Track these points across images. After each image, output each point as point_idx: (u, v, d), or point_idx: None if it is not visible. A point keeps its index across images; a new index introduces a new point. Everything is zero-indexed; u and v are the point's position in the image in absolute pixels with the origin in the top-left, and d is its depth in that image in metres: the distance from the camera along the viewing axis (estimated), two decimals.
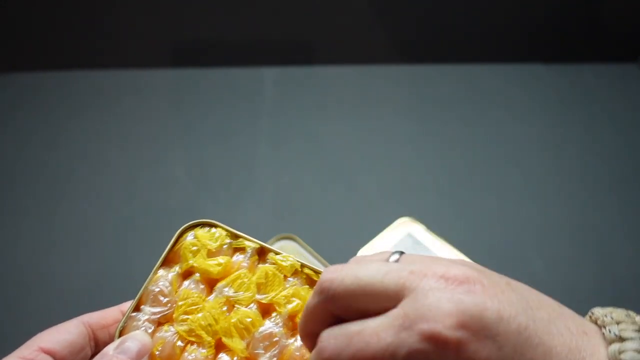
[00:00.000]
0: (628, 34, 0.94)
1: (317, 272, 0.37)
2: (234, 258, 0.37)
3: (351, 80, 0.89)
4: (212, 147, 0.79)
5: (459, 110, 0.85)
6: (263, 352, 0.34)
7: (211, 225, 0.37)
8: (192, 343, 0.34)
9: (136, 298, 0.34)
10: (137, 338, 0.33)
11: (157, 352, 0.33)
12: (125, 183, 0.75)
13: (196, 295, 0.35)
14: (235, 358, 0.34)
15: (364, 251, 0.62)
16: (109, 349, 0.32)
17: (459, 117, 0.84)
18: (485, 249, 0.68)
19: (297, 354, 0.35)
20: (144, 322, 0.34)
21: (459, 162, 0.78)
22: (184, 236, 0.37)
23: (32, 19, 0.89)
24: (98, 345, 0.35)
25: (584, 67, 0.91)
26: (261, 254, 0.37)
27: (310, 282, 0.37)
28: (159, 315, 0.34)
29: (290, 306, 0.35)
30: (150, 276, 0.35)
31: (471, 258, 0.60)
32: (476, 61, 0.92)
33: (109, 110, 0.84)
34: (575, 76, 0.90)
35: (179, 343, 0.34)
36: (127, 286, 0.59)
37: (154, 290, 0.35)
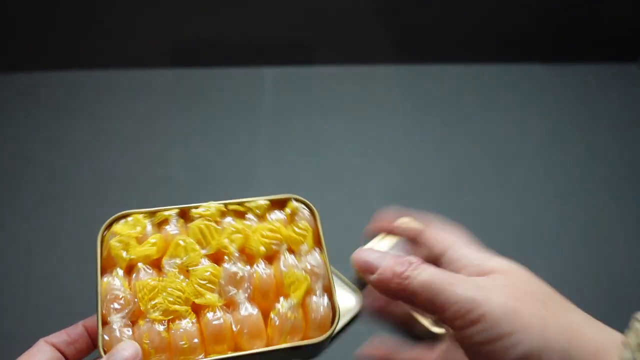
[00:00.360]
0: (628, 34, 0.94)
1: (241, 204, 0.38)
2: (163, 232, 0.37)
3: (351, 80, 0.89)
4: (212, 147, 0.79)
5: (458, 110, 0.85)
6: (236, 290, 0.35)
7: (124, 216, 0.37)
8: (172, 321, 0.34)
9: (98, 316, 0.34)
10: (123, 347, 0.32)
11: (147, 346, 0.33)
12: (125, 183, 0.75)
13: (150, 280, 0.35)
14: (217, 310, 0.35)
15: None
16: None
17: (458, 117, 0.84)
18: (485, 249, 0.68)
19: (265, 276, 0.36)
20: (120, 330, 0.33)
21: (459, 162, 0.78)
22: (105, 239, 0.36)
23: (32, 19, 0.89)
24: None
25: (584, 67, 0.91)
26: (184, 215, 0.38)
27: (240, 215, 0.38)
28: (127, 316, 0.34)
29: (235, 244, 0.36)
30: (98, 291, 0.34)
31: None
32: (476, 61, 0.92)
33: (109, 110, 0.84)
34: (575, 76, 0.90)
35: (161, 328, 0.34)
36: None
37: (110, 299, 0.34)
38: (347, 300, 0.60)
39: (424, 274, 0.30)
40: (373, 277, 0.32)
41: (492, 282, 0.30)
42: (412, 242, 0.38)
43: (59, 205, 0.72)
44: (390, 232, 0.40)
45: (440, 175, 0.77)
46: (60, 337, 0.35)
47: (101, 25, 0.91)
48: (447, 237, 0.36)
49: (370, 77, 0.90)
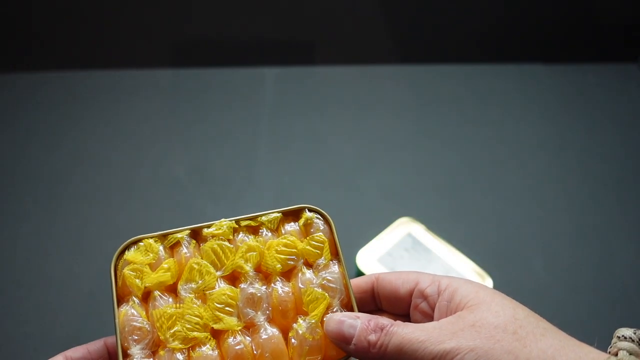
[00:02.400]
0: (628, 34, 0.94)
1: (253, 219, 0.37)
2: (176, 256, 0.36)
3: (351, 80, 0.90)
4: (212, 147, 0.79)
5: (458, 110, 0.85)
6: (255, 312, 0.35)
7: (135, 242, 0.36)
8: (192, 348, 0.34)
9: (118, 349, 0.34)
10: None
11: None
12: (125, 183, 0.75)
13: (167, 308, 0.34)
14: (237, 334, 0.34)
15: (364, 251, 0.62)
16: None
17: (458, 117, 0.84)
18: (485, 249, 0.68)
19: (283, 294, 0.35)
20: None
21: (459, 162, 0.78)
22: (119, 268, 0.36)
23: (32, 19, 0.89)
24: None
25: (584, 67, 0.91)
26: (196, 236, 0.37)
27: (254, 231, 0.37)
28: (148, 347, 0.34)
29: (250, 263, 0.36)
30: (116, 322, 0.34)
31: (471, 258, 0.60)
32: (476, 61, 0.92)
33: (109, 110, 0.84)
34: (575, 76, 0.90)
35: (181, 357, 0.34)
36: None
37: (129, 331, 0.34)
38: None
39: (394, 339, 0.31)
40: (350, 347, 0.33)
41: (461, 323, 0.31)
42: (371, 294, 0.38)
43: (57, 206, 0.72)
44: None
45: (440, 175, 0.77)
46: (81, 353, 0.34)
47: (101, 25, 0.91)
48: (410, 275, 0.36)
49: (370, 77, 0.90)
